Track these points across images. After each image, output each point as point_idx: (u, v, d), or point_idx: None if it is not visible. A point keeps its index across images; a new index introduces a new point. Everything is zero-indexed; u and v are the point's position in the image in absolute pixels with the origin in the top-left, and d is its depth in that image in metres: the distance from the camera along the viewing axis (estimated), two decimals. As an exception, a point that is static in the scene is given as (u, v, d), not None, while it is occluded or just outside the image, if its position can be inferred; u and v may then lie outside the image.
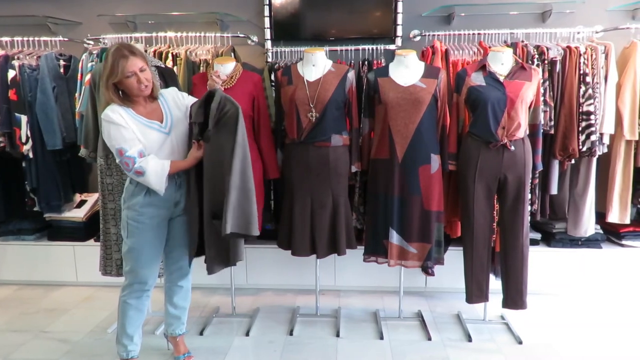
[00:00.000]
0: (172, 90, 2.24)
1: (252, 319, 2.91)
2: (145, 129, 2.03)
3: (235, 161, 2.04)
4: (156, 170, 1.99)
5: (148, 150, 2.04)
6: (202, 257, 2.26)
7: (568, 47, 2.90)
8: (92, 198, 3.55)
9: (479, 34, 3.06)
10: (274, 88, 3.01)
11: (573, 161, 3.04)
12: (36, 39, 3.30)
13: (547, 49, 2.91)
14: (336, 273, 3.30)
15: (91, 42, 3.39)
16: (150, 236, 2.14)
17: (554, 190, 3.04)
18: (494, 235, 2.71)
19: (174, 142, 2.12)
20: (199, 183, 2.18)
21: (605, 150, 3.06)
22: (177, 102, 2.18)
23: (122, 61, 1.94)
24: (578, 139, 2.91)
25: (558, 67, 2.89)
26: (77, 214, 3.44)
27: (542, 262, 3.17)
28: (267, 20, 3.38)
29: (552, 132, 2.92)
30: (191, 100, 2.25)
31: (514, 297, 2.60)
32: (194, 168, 2.17)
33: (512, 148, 2.45)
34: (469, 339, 2.65)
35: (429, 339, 2.66)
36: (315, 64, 2.65)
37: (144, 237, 2.12)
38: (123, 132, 1.97)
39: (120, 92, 2.04)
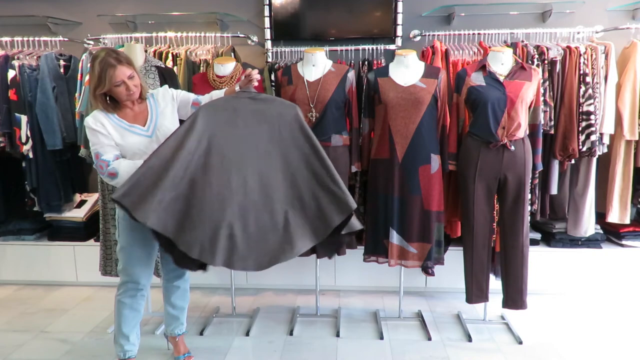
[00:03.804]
0: (162, 88, 2.21)
1: (252, 319, 2.91)
2: (125, 132, 2.03)
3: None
4: (128, 171, 1.96)
5: (129, 153, 2.03)
6: None
7: (568, 47, 2.90)
8: (92, 198, 3.55)
9: (479, 34, 3.06)
10: (274, 88, 3.01)
11: (573, 161, 3.04)
12: (36, 39, 3.30)
13: (547, 49, 2.91)
14: (336, 273, 3.30)
15: (91, 42, 3.39)
16: (139, 235, 2.11)
17: (554, 190, 3.04)
18: (494, 235, 2.71)
19: (160, 142, 2.09)
20: None
21: (605, 150, 3.06)
22: (167, 99, 2.16)
23: (109, 70, 1.92)
24: (578, 139, 2.91)
25: (558, 67, 2.89)
26: (77, 214, 3.44)
27: (542, 262, 3.17)
28: (267, 20, 3.38)
29: (552, 132, 2.92)
30: (184, 94, 2.22)
31: (514, 297, 2.60)
32: None
33: (512, 148, 2.45)
34: (469, 339, 2.65)
35: (429, 339, 2.66)
36: (316, 64, 2.65)
37: (133, 236, 2.11)
38: (100, 137, 1.98)
39: (107, 98, 2.03)
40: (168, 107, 2.16)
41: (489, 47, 2.86)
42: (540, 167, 2.70)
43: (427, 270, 2.66)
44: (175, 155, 1.95)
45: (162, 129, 2.10)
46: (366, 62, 3.13)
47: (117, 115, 2.04)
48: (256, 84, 2.17)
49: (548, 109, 2.88)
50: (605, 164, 3.19)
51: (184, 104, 2.22)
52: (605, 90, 2.95)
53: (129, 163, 1.99)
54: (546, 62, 2.88)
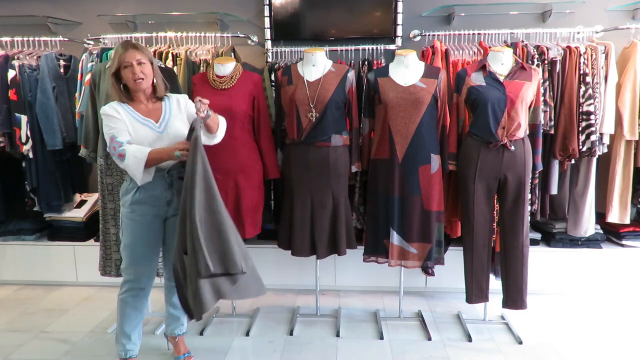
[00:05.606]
0: (180, 95, 2.27)
1: (252, 319, 2.91)
2: (137, 124, 2.08)
3: (196, 192, 1.91)
4: (135, 154, 2.01)
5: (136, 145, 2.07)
6: None
7: (568, 47, 2.90)
8: (92, 198, 3.55)
9: (479, 34, 3.06)
10: (274, 88, 3.01)
11: (573, 161, 3.04)
12: (36, 39, 3.30)
13: (547, 49, 2.91)
14: (336, 273, 3.31)
15: (91, 42, 3.39)
16: (142, 234, 2.14)
17: (554, 190, 3.04)
18: (494, 235, 2.71)
19: (170, 142, 2.12)
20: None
21: (605, 150, 3.06)
22: (181, 105, 2.22)
23: (121, 52, 2.05)
24: (578, 139, 2.91)
25: (558, 67, 2.89)
26: (77, 214, 3.44)
27: (542, 262, 3.17)
28: (267, 20, 3.38)
29: (552, 132, 2.92)
30: (190, 107, 2.24)
31: (514, 297, 2.60)
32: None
33: (512, 148, 2.45)
34: (469, 339, 2.65)
35: (429, 339, 2.66)
36: (316, 64, 2.65)
37: (135, 235, 2.14)
38: (116, 122, 2.06)
39: (122, 87, 2.10)
40: (181, 111, 2.21)
41: (489, 47, 2.86)
42: (540, 167, 2.70)
43: (427, 271, 2.66)
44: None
45: (172, 129, 2.14)
46: (366, 62, 3.13)
47: (131, 107, 2.11)
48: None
49: (548, 109, 2.88)
50: (605, 164, 3.19)
51: (190, 117, 2.23)
52: (605, 90, 2.95)
53: (137, 147, 2.04)
54: (546, 62, 2.88)
